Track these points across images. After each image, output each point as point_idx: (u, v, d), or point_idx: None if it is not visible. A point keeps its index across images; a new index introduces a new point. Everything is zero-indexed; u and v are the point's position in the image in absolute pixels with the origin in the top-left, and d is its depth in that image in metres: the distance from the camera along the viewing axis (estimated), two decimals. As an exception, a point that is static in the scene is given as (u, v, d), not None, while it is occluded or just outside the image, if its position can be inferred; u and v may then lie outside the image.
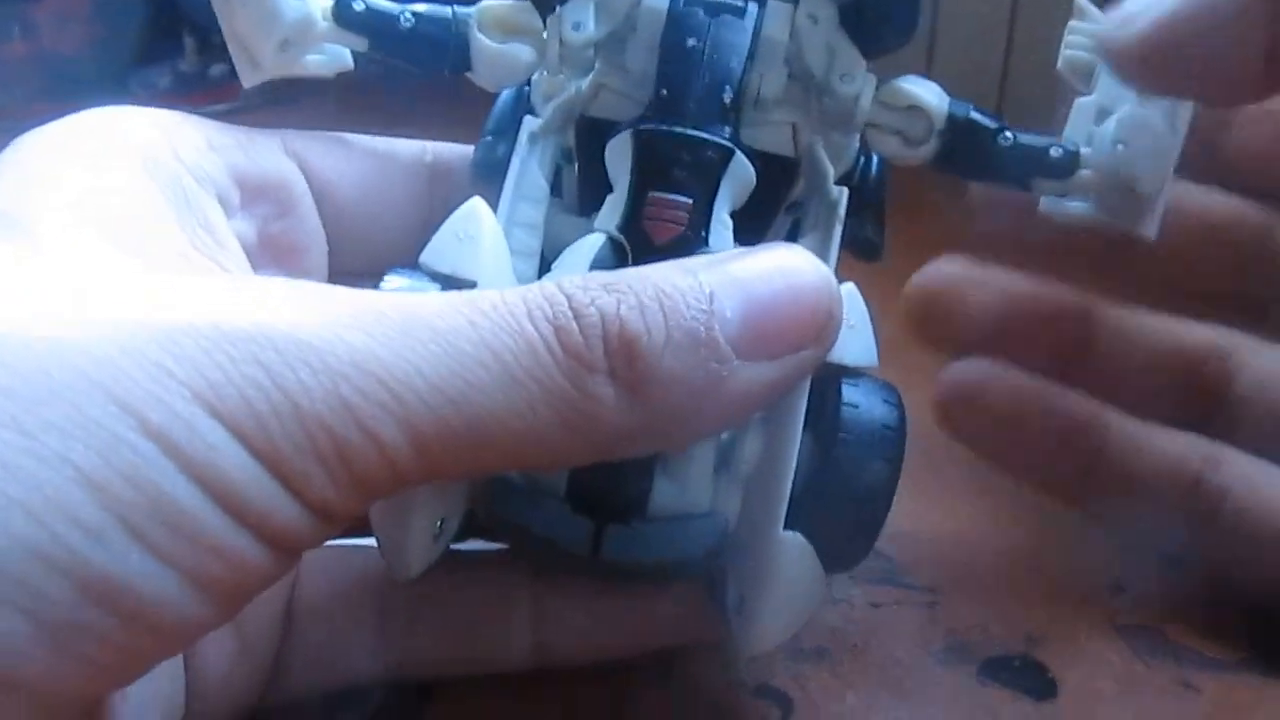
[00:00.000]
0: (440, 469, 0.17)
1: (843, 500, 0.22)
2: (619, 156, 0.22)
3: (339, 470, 0.16)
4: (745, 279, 0.18)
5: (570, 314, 0.17)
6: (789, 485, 0.21)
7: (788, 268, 0.19)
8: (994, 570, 0.29)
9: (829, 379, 0.22)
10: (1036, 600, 0.28)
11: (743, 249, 0.20)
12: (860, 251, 0.25)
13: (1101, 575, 0.28)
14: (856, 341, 0.22)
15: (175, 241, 0.20)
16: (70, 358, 0.15)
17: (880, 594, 0.28)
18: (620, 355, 0.17)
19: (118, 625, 0.15)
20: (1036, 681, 0.26)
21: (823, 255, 0.22)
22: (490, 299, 0.17)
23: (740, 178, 0.22)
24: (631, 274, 0.18)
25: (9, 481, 0.14)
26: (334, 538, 0.17)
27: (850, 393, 0.22)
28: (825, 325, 0.19)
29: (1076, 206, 0.25)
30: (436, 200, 0.25)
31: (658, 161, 0.21)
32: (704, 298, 0.18)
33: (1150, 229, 0.25)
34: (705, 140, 0.21)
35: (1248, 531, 0.26)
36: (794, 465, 0.21)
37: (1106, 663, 0.26)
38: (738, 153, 0.22)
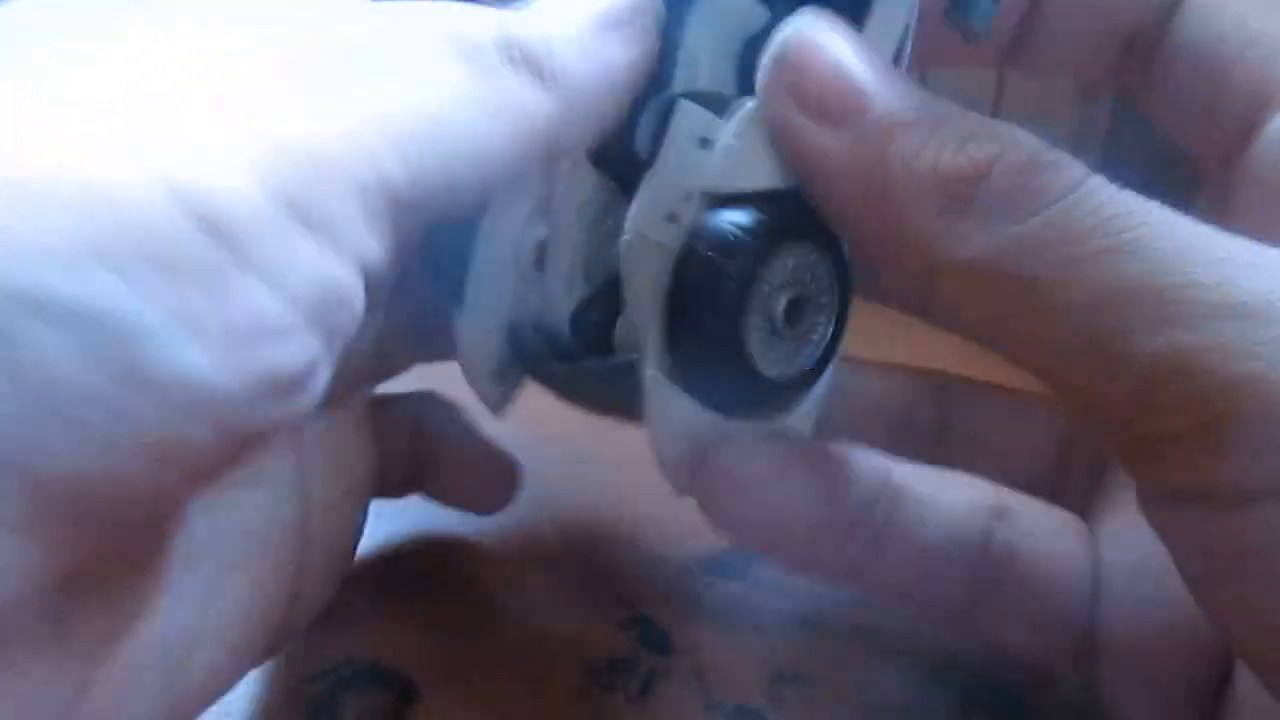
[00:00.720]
0: (430, 194, 0.18)
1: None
2: None
3: (346, 193, 0.17)
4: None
5: (474, 47, 0.20)
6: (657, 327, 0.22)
7: None
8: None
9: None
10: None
11: None
12: (959, 23, 0.22)
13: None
14: (727, 163, 0.21)
15: None
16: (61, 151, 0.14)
17: (863, 620, 0.28)
18: (525, 62, 0.20)
19: (130, 395, 0.14)
20: (1016, 713, 0.26)
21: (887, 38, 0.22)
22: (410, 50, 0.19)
23: None
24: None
25: None
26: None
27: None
28: None
29: None
30: None
31: None
32: (545, 38, 0.21)
33: None
34: None
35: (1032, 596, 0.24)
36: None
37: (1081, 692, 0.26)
38: None
